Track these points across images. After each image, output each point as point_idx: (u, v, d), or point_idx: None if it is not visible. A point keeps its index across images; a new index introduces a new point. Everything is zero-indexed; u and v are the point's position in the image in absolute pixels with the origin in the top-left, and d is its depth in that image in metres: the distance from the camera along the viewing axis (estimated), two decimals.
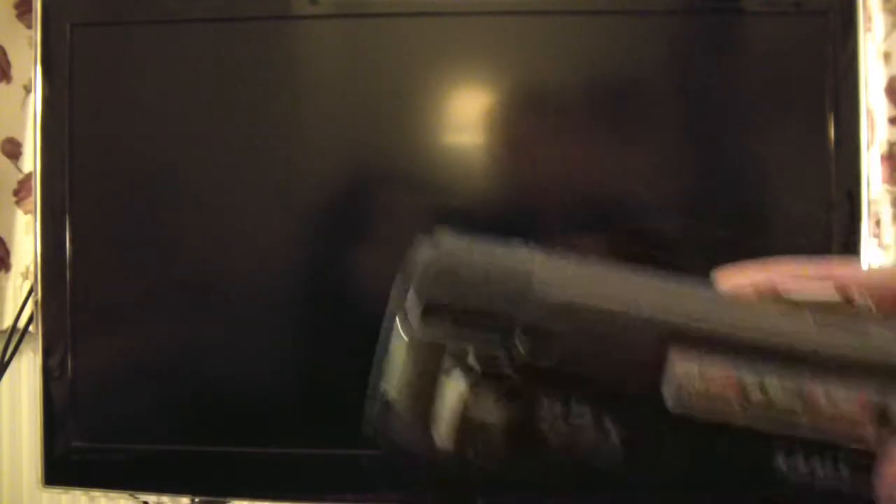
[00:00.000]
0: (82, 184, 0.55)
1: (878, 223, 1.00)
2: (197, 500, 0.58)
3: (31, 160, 0.94)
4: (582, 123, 0.55)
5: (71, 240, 0.55)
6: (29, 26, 1.04)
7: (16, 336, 0.65)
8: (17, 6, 1.10)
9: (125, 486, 0.56)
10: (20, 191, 1.12)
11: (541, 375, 0.16)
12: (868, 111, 0.52)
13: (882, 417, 0.16)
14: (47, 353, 0.55)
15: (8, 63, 1.09)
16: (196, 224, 0.55)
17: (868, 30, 0.96)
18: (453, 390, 0.16)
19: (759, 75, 0.53)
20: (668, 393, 0.16)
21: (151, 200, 0.55)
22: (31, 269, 0.66)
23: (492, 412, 0.16)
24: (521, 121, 0.55)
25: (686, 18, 0.54)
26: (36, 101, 0.55)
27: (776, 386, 0.16)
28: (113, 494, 0.78)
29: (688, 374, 0.16)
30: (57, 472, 0.56)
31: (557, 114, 0.55)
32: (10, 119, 1.09)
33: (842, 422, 0.16)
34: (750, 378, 0.16)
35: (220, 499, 0.57)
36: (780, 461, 0.16)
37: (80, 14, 0.55)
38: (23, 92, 1.09)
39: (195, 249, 0.55)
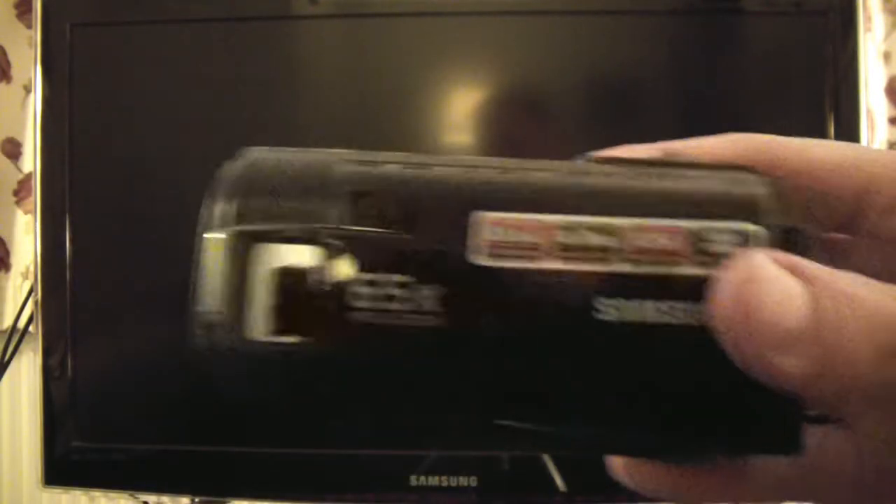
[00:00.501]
0: (82, 184, 0.55)
1: None
2: (197, 500, 0.58)
3: (31, 160, 0.94)
4: (582, 123, 0.55)
5: (71, 240, 0.55)
6: (29, 26, 1.04)
7: (16, 336, 0.65)
8: (17, 6, 1.10)
9: (125, 486, 0.56)
10: (20, 191, 1.12)
11: (353, 247, 0.16)
12: (868, 111, 0.52)
13: (699, 245, 0.16)
14: (47, 353, 0.55)
15: (8, 63, 1.09)
16: (196, 224, 0.54)
17: (868, 30, 0.96)
18: (268, 274, 0.16)
19: (759, 75, 0.53)
20: (474, 243, 0.16)
21: (151, 200, 0.55)
22: (31, 269, 0.66)
23: (307, 287, 0.16)
24: (520, 121, 0.55)
25: (686, 18, 0.54)
26: (36, 101, 0.55)
27: (588, 224, 0.16)
28: (113, 494, 0.78)
29: (497, 225, 0.16)
30: (57, 472, 0.56)
31: (558, 114, 0.55)
32: (10, 119, 1.09)
33: (660, 254, 0.16)
34: (560, 221, 0.16)
35: (220, 499, 0.57)
36: (601, 303, 0.16)
37: (80, 14, 0.55)
38: (23, 92, 1.09)
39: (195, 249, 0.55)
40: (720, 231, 0.16)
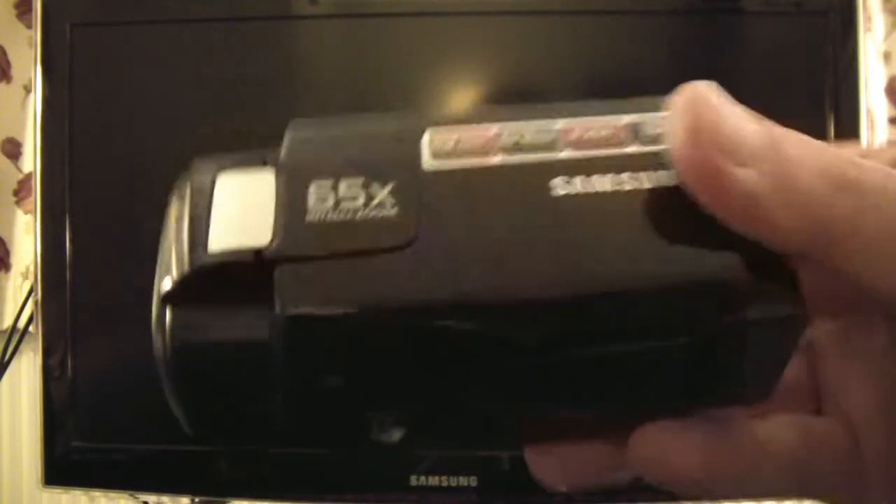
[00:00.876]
0: (82, 184, 0.55)
1: None
2: (197, 500, 0.58)
3: (31, 160, 0.94)
4: None
5: (71, 240, 0.55)
6: (29, 26, 1.04)
7: (16, 336, 0.65)
8: (17, 6, 1.10)
9: (125, 486, 0.56)
10: (20, 191, 1.12)
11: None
12: (868, 111, 0.52)
13: (640, 131, 0.17)
14: (47, 353, 0.55)
15: (8, 63, 1.09)
16: None
17: (868, 30, 0.96)
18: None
19: (759, 75, 0.53)
20: (424, 153, 0.16)
21: (151, 200, 0.54)
22: (31, 269, 0.66)
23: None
24: None
25: (686, 18, 0.54)
26: (36, 101, 0.55)
27: (529, 128, 0.17)
28: (113, 494, 0.78)
29: (441, 138, 0.17)
30: (57, 472, 0.56)
31: None
32: (10, 119, 1.09)
33: (603, 141, 0.16)
34: (502, 127, 0.17)
35: (220, 499, 0.57)
36: (557, 186, 0.16)
37: (80, 14, 0.55)
38: (23, 92, 1.09)
39: None
40: (658, 120, 0.16)
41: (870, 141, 0.53)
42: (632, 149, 0.16)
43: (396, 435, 0.16)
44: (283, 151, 0.17)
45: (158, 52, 0.55)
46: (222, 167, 0.17)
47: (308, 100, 0.55)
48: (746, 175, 0.15)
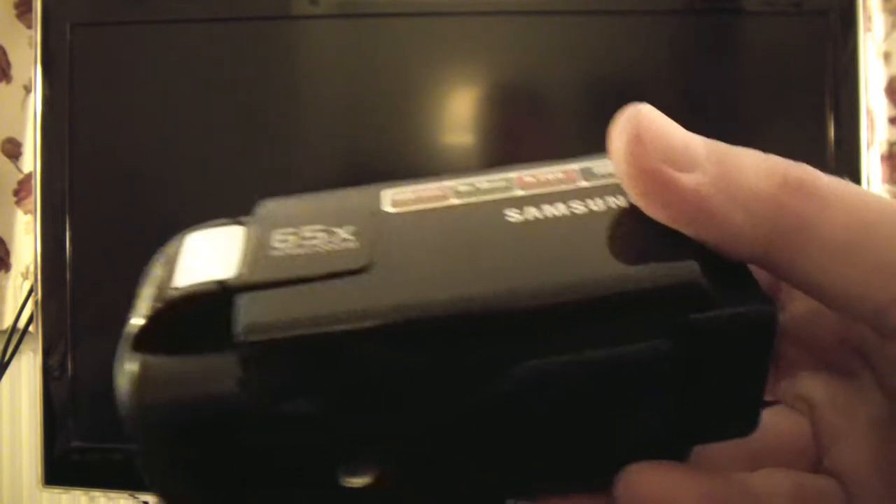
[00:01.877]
0: (82, 184, 0.55)
1: None
2: None
3: (31, 160, 0.94)
4: (582, 124, 0.55)
5: (71, 240, 0.55)
6: (29, 26, 1.04)
7: (16, 336, 0.65)
8: (17, 6, 1.10)
9: (125, 486, 0.56)
10: (20, 191, 1.12)
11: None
12: (868, 111, 0.52)
13: (588, 173, 0.17)
14: (47, 353, 0.55)
15: (8, 63, 1.09)
16: (196, 224, 0.54)
17: (868, 30, 0.96)
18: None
19: (758, 75, 0.53)
20: (384, 203, 0.17)
21: (151, 200, 0.55)
22: (31, 269, 0.66)
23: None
24: (521, 121, 0.55)
25: (686, 18, 0.54)
26: (36, 101, 0.55)
27: (483, 180, 0.18)
28: (113, 494, 0.78)
29: (400, 192, 0.17)
30: (57, 472, 0.56)
31: (558, 114, 0.55)
32: (10, 119, 1.09)
33: (554, 182, 0.17)
34: (458, 181, 0.18)
35: None
36: (512, 214, 0.16)
37: (80, 14, 0.55)
38: (23, 92, 1.09)
39: None
40: (607, 162, 0.17)
41: (870, 141, 0.53)
42: (582, 184, 0.17)
43: (366, 476, 0.16)
44: (253, 212, 0.18)
45: (158, 52, 0.55)
46: (192, 229, 0.18)
47: (308, 100, 0.55)
48: (691, 179, 0.15)
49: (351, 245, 0.16)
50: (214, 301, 0.15)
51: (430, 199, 0.17)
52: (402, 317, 0.15)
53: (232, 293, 0.15)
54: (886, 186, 1.00)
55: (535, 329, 0.15)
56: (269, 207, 0.18)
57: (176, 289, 0.15)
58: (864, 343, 0.17)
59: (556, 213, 0.16)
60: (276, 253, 0.16)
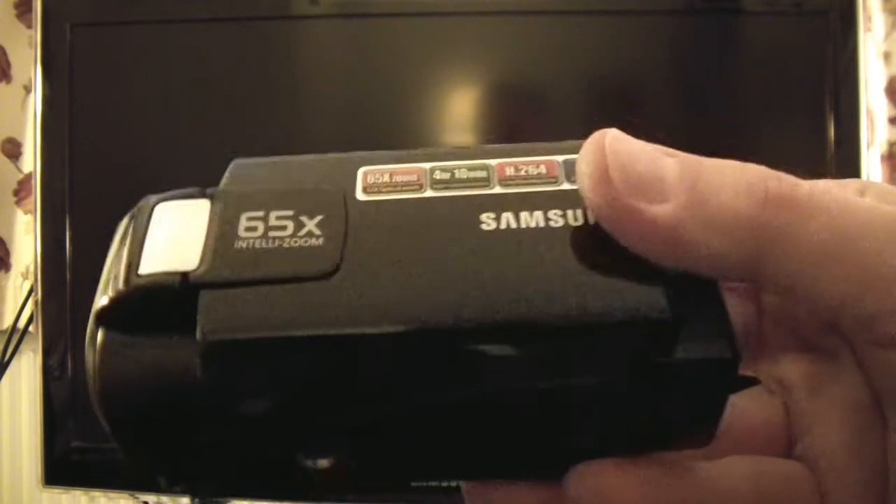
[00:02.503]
0: (82, 184, 0.55)
1: None
2: (197, 500, 0.58)
3: (31, 160, 0.94)
4: (581, 123, 0.55)
5: (71, 240, 0.55)
6: (29, 26, 1.03)
7: (16, 336, 0.65)
8: (17, 6, 1.10)
9: (125, 486, 0.56)
10: (20, 191, 1.12)
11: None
12: (868, 111, 0.52)
13: (569, 171, 0.17)
14: (47, 353, 0.55)
15: (8, 63, 1.09)
16: None
17: (868, 30, 0.96)
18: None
19: (759, 75, 0.53)
20: (356, 188, 0.17)
21: None
22: (31, 269, 0.66)
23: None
24: (521, 121, 0.55)
25: (686, 18, 0.54)
26: (36, 101, 0.55)
27: (461, 166, 0.17)
28: (113, 494, 0.78)
29: (374, 174, 0.17)
30: (57, 472, 0.56)
31: (557, 114, 0.55)
32: (10, 119, 1.09)
33: (532, 178, 0.17)
34: (435, 165, 0.17)
35: (221, 499, 0.57)
36: (486, 221, 0.16)
37: (80, 14, 0.55)
38: (23, 92, 1.09)
39: None
40: None
41: (870, 141, 0.53)
42: (564, 186, 0.16)
43: (324, 462, 0.16)
44: (222, 184, 0.17)
45: (158, 52, 0.55)
46: (163, 198, 0.17)
47: (308, 100, 0.55)
48: (663, 210, 0.15)
49: (317, 242, 0.16)
50: (177, 293, 0.15)
51: (403, 186, 0.17)
52: (357, 331, 0.15)
53: (196, 288, 0.15)
54: None
55: (490, 352, 0.15)
56: (241, 175, 0.18)
57: (140, 276, 0.15)
58: (847, 331, 0.17)
59: (532, 224, 0.16)
60: (241, 244, 0.16)
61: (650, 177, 0.15)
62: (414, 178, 0.17)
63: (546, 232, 0.16)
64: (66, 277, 0.55)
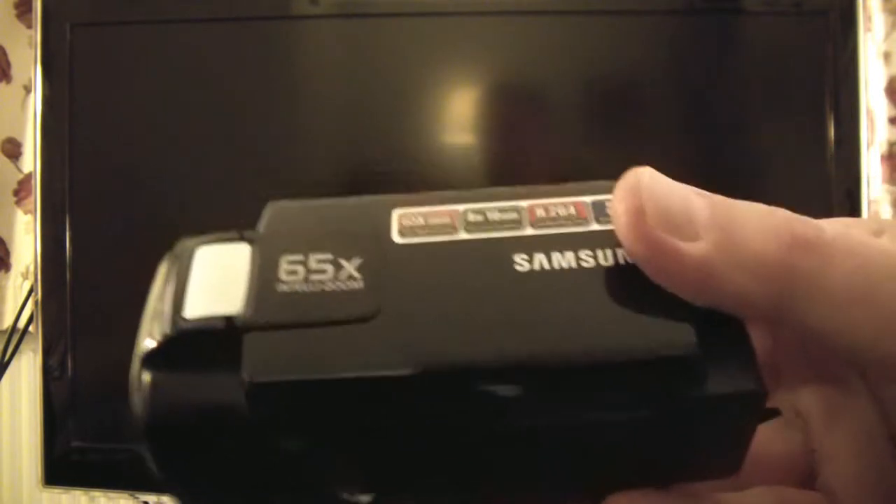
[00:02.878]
0: (82, 184, 0.55)
1: None
2: None
3: (31, 160, 0.94)
4: (581, 124, 0.55)
5: (71, 240, 0.55)
6: (29, 26, 1.04)
7: (16, 336, 0.65)
8: (17, 6, 1.10)
9: (125, 486, 0.56)
10: (20, 191, 1.12)
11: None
12: (868, 111, 0.52)
13: (600, 212, 0.17)
14: (47, 353, 0.55)
15: (8, 63, 1.09)
16: (196, 224, 0.54)
17: (868, 30, 0.96)
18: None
19: (759, 75, 0.53)
20: (392, 230, 0.17)
21: (151, 200, 0.55)
22: (31, 269, 0.66)
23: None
24: (521, 121, 0.55)
25: (686, 18, 0.54)
26: (36, 101, 0.55)
27: (493, 208, 0.18)
28: (113, 494, 0.78)
29: (408, 216, 0.18)
30: (57, 472, 0.56)
31: (557, 114, 0.55)
32: (10, 119, 1.09)
33: (564, 220, 0.17)
34: (468, 207, 0.18)
35: None
36: (520, 262, 0.16)
37: (80, 14, 0.55)
38: (23, 92, 1.09)
39: None
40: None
41: (870, 141, 0.53)
42: (593, 227, 0.17)
43: (366, 498, 0.17)
44: (260, 228, 0.18)
45: (158, 52, 0.55)
46: (202, 241, 0.18)
47: (308, 100, 0.55)
48: (695, 248, 0.15)
49: (357, 286, 0.16)
50: (222, 336, 0.16)
51: (438, 229, 0.17)
52: (400, 374, 0.15)
53: (240, 331, 0.16)
54: (886, 186, 1.00)
55: (528, 390, 0.15)
56: (278, 218, 0.18)
57: (186, 320, 0.16)
58: (869, 370, 0.17)
59: (564, 265, 0.16)
60: (283, 288, 0.16)
61: (683, 216, 0.15)
62: (448, 220, 0.17)
63: (578, 272, 0.16)
64: (66, 277, 0.55)
